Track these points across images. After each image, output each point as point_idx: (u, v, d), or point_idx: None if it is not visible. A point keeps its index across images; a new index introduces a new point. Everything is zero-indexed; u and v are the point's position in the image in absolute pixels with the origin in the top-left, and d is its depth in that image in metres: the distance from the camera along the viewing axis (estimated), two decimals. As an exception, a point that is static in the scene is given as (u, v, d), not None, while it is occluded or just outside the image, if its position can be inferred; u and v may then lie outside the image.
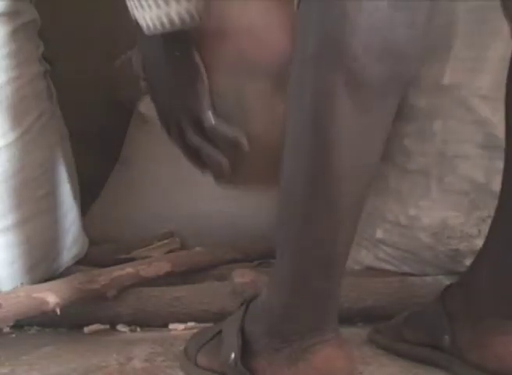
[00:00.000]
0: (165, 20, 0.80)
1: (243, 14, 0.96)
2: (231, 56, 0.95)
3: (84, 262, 1.21)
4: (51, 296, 0.90)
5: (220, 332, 0.76)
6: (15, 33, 1.08)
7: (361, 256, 1.20)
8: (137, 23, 0.85)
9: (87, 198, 1.46)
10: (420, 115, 1.14)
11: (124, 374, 0.80)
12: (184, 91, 0.89)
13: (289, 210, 0.66)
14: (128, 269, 1.02)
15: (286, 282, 0.68)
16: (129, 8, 0.84)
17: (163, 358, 0.85)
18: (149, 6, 0.79)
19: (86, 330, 0.97)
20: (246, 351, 0.71)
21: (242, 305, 0.76)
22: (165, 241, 1.31)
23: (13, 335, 0.97)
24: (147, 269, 1.05)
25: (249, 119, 0.94)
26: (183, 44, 0.86)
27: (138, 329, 0.98)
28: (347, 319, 0.94)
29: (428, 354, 0.80)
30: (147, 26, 0.81)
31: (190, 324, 0.97)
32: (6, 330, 0.97)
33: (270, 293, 0.70)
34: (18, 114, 1.08)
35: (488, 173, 1.07)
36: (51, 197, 1.14)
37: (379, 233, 1.17)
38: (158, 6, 0.78)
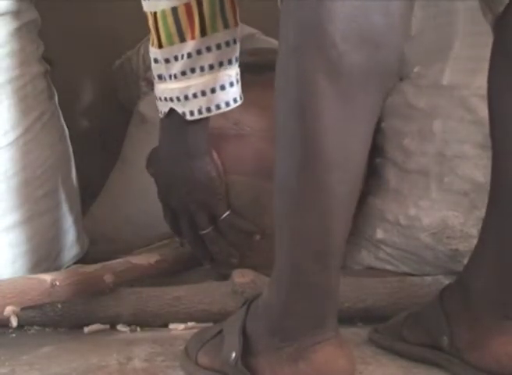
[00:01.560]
0: (211, 106, 0.91)
1: (260, 119, 1.03)
2: (249, 157, 1.01)
3: (84, 261, 1.21)
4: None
5: (221, 331, 0.76)
6: (15, 33, 1.08)
7: (361, 256, 1.20)
8: (166, 119, 0.94)
9: (87, 198, 1.46)
10: (420, 115, 1.14)
11: (124, 374, 0.80)
12: (204, 190, 0.98)
13: (283, 202, 0.66)
14: (118, 260, 1.05)
15: (284, 278, 0.68)
16: (160, 105, 0.95)
17: (163, 358, 0.85)
18: (195, 96, 0.90)
19: (86, 330, 0.97)
20: (246, 350, 0.71)
21: (243, 304, 0.76)
22: (165, 241, 1.31)
23: (13, 335, 0.97)
24: (138, 257, 1.09)
25: (262, 215, 1.04)
26: (205, 140, 0.97)
27: (138, 329, 0.98)
28: (347, 319, 0.94)
29: (428, 354, 0.80)
30: (191, 112, 0.91)
31: (190, 324, 0.97)
32: (5, 329, 0.97)
33: (270, 291, 0.70)
34: (18, 114, 1.08)
35: (488, 173, 1.06)
36: (51, 196, 1.14)
37: (379, 234, 1.17)
38: (204, 95, 0.90)
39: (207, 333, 0.81)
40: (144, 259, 1.09)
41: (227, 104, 0.93)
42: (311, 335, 0.67)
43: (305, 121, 0.62)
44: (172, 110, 0.93)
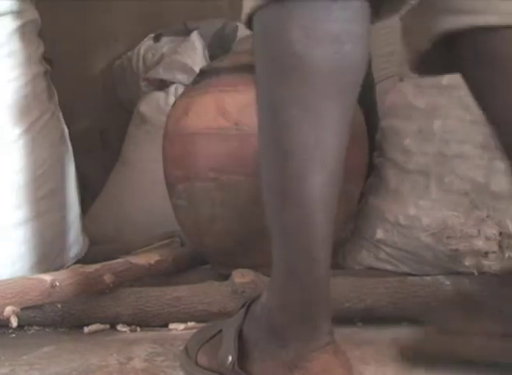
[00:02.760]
0: None
1: None
2: (249, 157, 1.03)
3: (84, 261, 1.21)
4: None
5: (220, 331, 0.77)
6: (15, 33, 1.08)
7: (361, 256, 1.20)
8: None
9: (87, 198, 1.46)
10: (420, 115, 1.14)
11: (124, 374, 0.80)
12: None
13: (267, 198, 0.67)
14: (118, 260, 1.05)
15: (278, 279, 0.68)
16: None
17: (163, 358, 0.85)
18: None
19: (86, 330, 0.98)
20: (243, 354, 0.71)
21: (243, 306, 0.76)
22: (165, 241, 1.31)
23: (13, 335, 0.97)
24: (138, 257, 1.09)
25: (263, 214, 1.02)
26: None
27: (138, 329, 0.98)
28: (347, 319, 0.94)
29: None
30: None
31: (190, 324, 0.97)
32: (5, 329, 0.98)
33: (267, 294, 0.70)
34: (19, 113, 1.08)
35: (487, 173, 1.07)
36: (51, 197, 1.14)
37: (379, 234, 1.17)
38: None
39: (207, 332, 0.81)
40: (143, 259, 1.09)
41: None
42: (306, 340, 0.67)
43: (275, 113, 0.63)
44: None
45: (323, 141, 0.63)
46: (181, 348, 0.83)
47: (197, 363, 0.77)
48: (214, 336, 0.78)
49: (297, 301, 0.67)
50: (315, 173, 0.64)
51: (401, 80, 1.21)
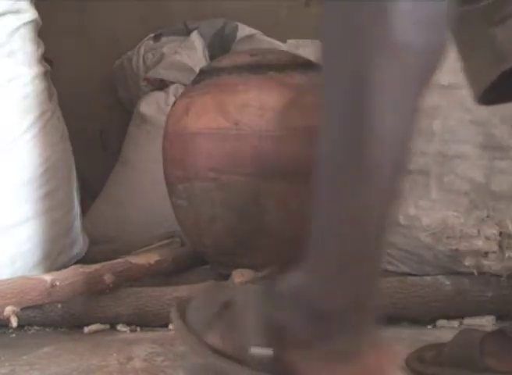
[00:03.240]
0: None
1: (260, 119, 1.06)
2: (248, 158, 1.05)
3: (84, 261, 1.21)
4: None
5: (228, 306, 0.71)
6: (15, 33, 1.08)
7: (361, 256, 1.20)
8: None
9: (87, 198, 1.46)
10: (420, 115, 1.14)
11: (124, 374, 0.80)
12: None
13: (327, 179, 0.63)
14: (118, 260, 1.05)
15: (324, 267, 0.65)
16: None
17: (163, 358, 0.85)
18: None
19: (86, 330, 0.98)
20: (276, 343, 0.66)
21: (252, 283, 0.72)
22: (165, 241, 1.31)
23: (13, 335, 0.97)
24: (138, 257, 1.10)
25: (262, 214, 1.07)
26: None
27: (138, 329, 0.98)
28: (347, 319, 0.94)
29: None
30: None
31: (190, 324, 0.97)
32: (5, 329, 0.98)
33: (308, 279, 0.66)
34: (19, 114, 1.08)
35: (487, 173, 1.07)
36: (51, 197, 1.14)
37: (379, 233, 1.17)
38: None
39: (211, 303, 0.74)
40: (143, 259, 1.09)
41: None
42: (357, 333, 0.64)
43: (363, 95, 0.61)
44: None
45: (401, 126, 0.63)
46: (181, 348, 0.83)
47: (206, 343, 0.71)
48: (221, 312, 0.72)
49: (354, 288, 0.65)
50: (390, 159, 0.62)
51: (401, 80, 1.20)
